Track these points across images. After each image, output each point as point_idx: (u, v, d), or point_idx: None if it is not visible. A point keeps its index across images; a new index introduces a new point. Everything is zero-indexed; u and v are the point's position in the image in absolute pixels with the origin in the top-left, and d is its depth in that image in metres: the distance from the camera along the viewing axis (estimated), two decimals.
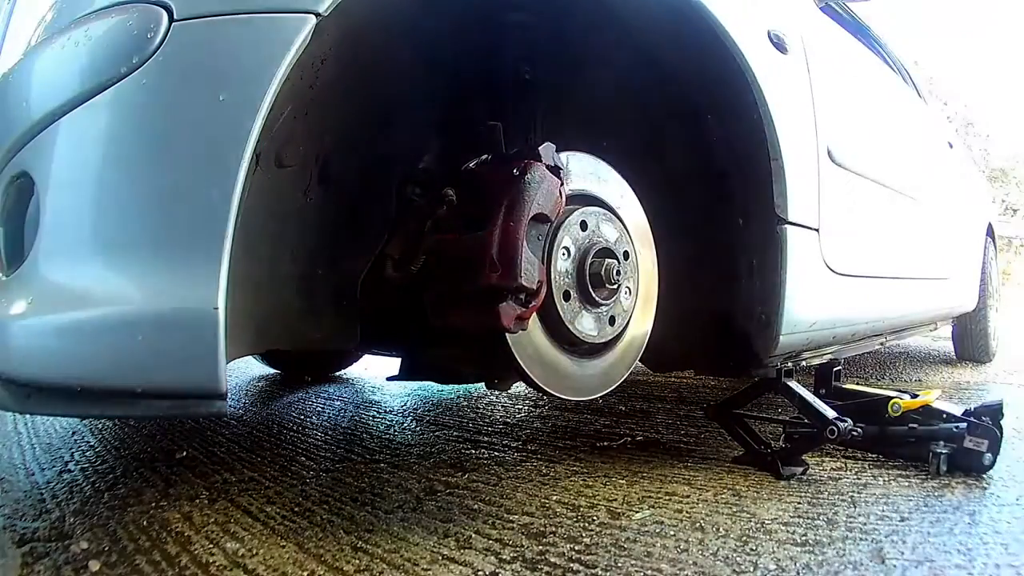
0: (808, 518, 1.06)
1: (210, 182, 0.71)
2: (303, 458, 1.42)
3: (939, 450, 1.31)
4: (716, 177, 1.29)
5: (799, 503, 1.14)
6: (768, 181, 1.22)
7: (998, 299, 3.54)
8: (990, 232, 3.39)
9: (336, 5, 0.77)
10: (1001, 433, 1.29)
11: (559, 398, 1.06)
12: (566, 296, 1.01)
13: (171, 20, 0.73)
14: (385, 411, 1.99)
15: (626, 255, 1.10)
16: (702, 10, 1.08)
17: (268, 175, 0.94)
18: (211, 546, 0.94)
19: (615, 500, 1.15)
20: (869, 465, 1.38)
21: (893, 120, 2.07)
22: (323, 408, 2.02)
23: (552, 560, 0.90)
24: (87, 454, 1.43)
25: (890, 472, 1.33)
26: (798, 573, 0.87)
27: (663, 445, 1.56)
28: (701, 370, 1.45)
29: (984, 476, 1.29)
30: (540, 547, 0.95)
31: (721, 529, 1.02)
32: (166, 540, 0.96)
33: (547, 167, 0.96)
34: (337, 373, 2.74)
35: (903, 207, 1.92)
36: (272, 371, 2.70)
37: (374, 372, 2.77)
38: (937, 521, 1.06)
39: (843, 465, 1.38)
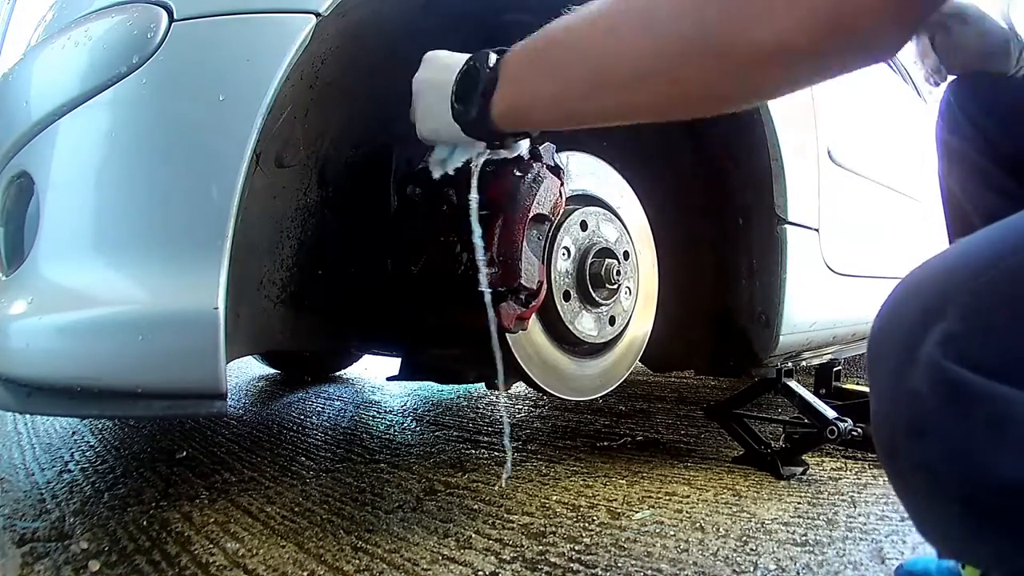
0: (808, 518, 1.06)
1: (210, 182, 0.71)
2: (303, 458, 1.42)
3: None
4: (716, 177, 1.29)
5: (799, 503, 1.14)
6: (768, 181, 1.21)
7: None
8: None
9: (336, 5, 0.77)
10: None
11: (559, 398, 1.06)
12: (566, 296, 1.01)
13: (171, 20, 0.73)
14: (385, 411, 1.99)
15: (626, 255, 1.10)
16: None
17: (268, 175, 0.94)
18: (211, 546, 0.94)
19: (615, 500, 1.15)
20: (869, 465, 1.38)
21: (893, 120, 2.07)
22: (323, 408, 2.02)
23: (552, 560, 0.90)
24: (87, 454, 1.43)
25: None
26: (798, 573, 0.87)
27: (663, 445, 1.55)
28: (701, 370, 1.45)
29: None
30: (540, 547, 0.95)
31: (721, 529, 1.02)
32: (166, 540, 0.96)
33: (547, 167, 0.96)
34: (337, 373, 2.74)
35: (904, 207, 1.92)
36: (272, 371, 2.70)
37: (374, 372, 2.77)
38: None
39: (843, 465, 1.38)
